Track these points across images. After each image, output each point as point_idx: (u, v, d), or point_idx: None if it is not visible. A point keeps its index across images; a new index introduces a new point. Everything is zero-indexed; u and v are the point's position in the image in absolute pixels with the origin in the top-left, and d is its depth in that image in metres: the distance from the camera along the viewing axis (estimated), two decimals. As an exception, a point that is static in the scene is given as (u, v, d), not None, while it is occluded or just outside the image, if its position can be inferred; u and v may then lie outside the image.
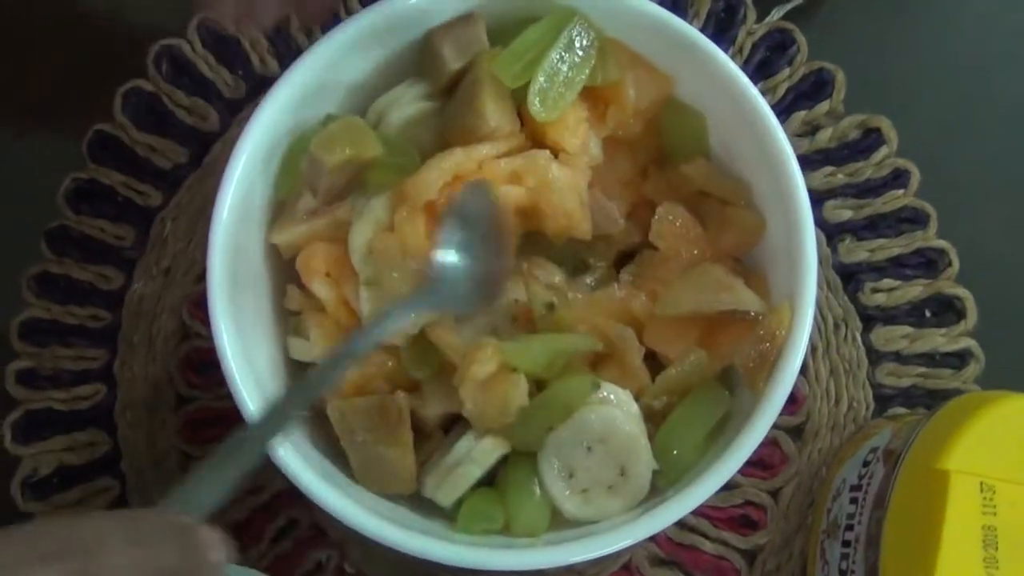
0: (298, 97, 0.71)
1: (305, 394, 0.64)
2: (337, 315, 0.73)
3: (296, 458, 0.67)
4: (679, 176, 0.75)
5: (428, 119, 0.73)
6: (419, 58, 0.74)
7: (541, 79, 0.70)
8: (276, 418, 0.61)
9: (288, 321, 0.76)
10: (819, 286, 0.86)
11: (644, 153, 0.77)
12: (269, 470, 0.82)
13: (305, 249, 0.72)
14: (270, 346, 0.74)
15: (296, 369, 0.75)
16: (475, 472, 0.70)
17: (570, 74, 0.70)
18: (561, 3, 0.72)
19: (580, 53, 0.71)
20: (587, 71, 0.71)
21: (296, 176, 0.72)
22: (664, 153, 0.77)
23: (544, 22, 0.71)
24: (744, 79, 0.71)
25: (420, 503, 0.72)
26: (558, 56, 0.70)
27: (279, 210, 0.74)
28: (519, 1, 0.73)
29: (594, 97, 0.74)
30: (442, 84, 0.73)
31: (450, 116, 0.73)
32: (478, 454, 0.69)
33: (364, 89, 0.75)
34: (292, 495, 0.82)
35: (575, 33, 0.71)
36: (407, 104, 0.73)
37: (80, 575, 0.47)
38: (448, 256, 0.68)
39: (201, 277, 0.86)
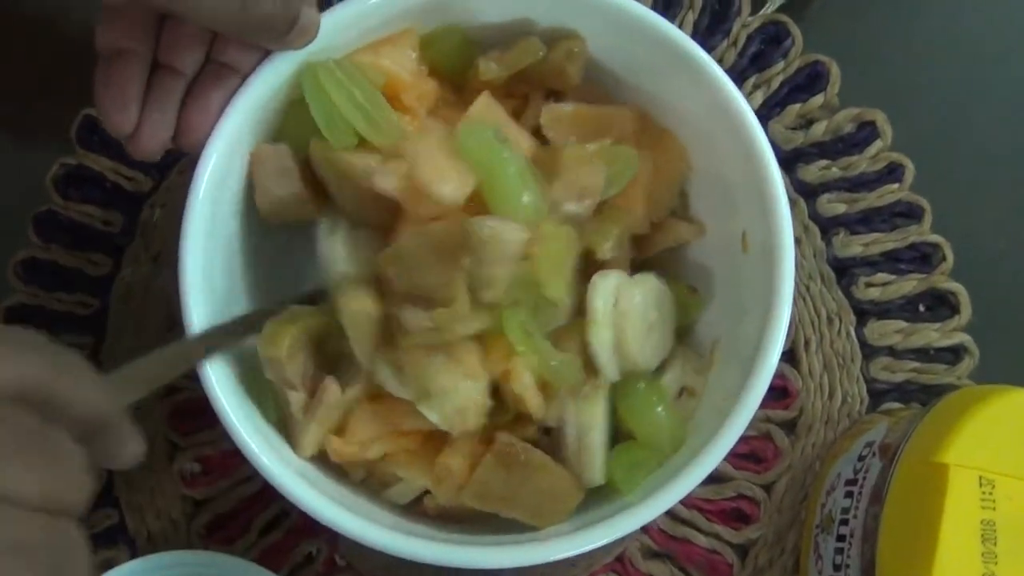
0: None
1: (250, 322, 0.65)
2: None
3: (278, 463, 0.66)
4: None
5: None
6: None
7: None
8: (216, 336, 0.63)
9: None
10: (813, 280, 0.86)
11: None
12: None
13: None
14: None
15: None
16: (600, 436, 0.69)
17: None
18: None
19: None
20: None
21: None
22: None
23: None
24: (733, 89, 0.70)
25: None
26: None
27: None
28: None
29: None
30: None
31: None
32: (586, 419, 0.68)
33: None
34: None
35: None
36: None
37: (57, 377, 0.49)
38: None
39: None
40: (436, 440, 0.68)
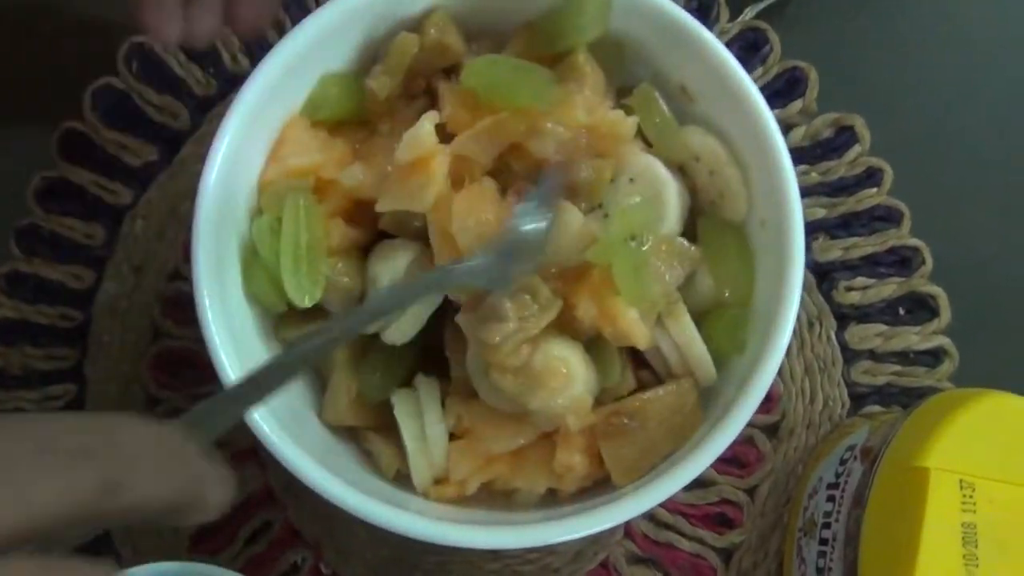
0: (270, 90, 0.70)
1: (292, 362, 0.60)
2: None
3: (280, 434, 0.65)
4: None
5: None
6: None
7: None
8: (255, 387, 0.58)
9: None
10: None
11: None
12: (243, 472, 0.82)
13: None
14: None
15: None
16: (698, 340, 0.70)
17: None
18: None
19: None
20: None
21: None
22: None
23: None
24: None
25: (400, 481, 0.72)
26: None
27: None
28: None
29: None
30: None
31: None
32: (683, 331, 0.69)
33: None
34: (266, 496, 0.82)
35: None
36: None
37: (105, 487, 0.40)
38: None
39: (173, 276, 0.85)
40: (532, 444, 0.69)
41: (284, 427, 0.64)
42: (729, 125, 0.71)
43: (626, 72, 0.74)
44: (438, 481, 0.70)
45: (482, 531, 0.64)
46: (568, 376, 0.66)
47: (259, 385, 0.56)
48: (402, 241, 0.70)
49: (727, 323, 0.70)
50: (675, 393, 0.68)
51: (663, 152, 0.71)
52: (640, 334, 0.66)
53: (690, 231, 0.72)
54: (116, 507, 0.40)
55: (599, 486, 0.70)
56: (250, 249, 0.70)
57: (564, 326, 0.67)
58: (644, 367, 0.71)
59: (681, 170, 0.72)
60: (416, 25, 0.71)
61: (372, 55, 0.73)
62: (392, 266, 0.69)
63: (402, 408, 0.69)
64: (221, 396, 0.55)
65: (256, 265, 0.69)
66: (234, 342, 0.65)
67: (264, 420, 0.63)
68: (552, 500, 0.71)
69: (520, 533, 0.64)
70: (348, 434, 0.73)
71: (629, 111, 0.71)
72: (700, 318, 0.70)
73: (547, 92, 0.67)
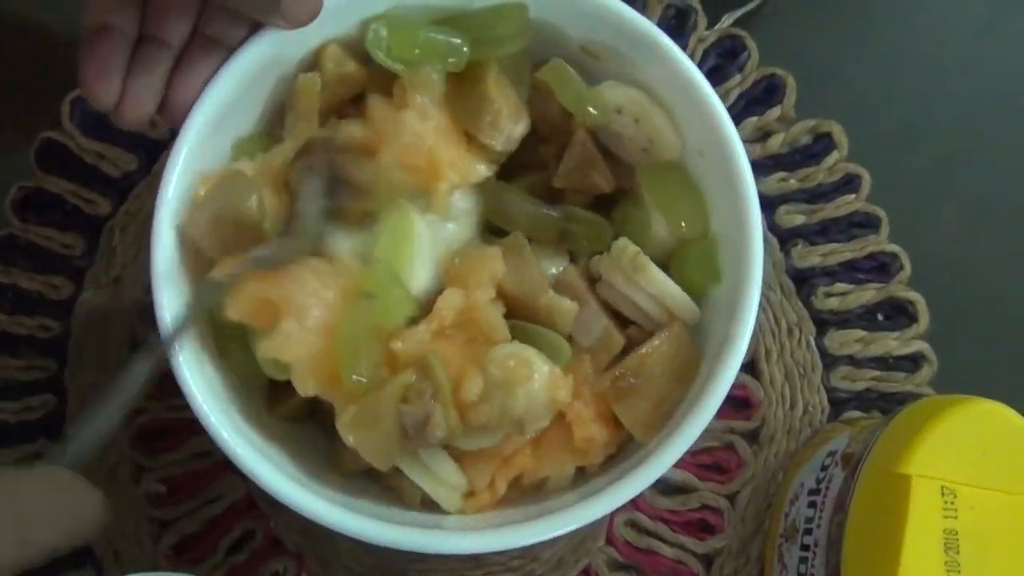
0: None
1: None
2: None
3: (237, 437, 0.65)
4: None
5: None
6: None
7: None
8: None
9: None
10: (773, 291, 0.86)
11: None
12: (224, 481, 0.82)
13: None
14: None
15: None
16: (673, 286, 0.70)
17: None
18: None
19: None
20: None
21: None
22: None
23: None
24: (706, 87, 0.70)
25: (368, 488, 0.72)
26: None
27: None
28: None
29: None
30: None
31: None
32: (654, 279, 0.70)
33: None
34: (248, 505, 0.82)
35: None
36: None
37: (19, 545, 0.48)
38: None
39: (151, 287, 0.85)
40: (548, 430, 0.70)
41: (304, 486, 0.65)
42: (642, 73, 0.72)
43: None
44: (468, 495, 0.70)
45: (524, 528, 0.64)
46: (525, 362, 0.66)
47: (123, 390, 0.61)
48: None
49: (695, 258, 0.71)
50: (669, 340, 0.69)
51: (585, 118, 0.71)
52: (562, 310, 0.69)
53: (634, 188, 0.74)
54: (26, 559, 0.47)
55: (625, 451, 0.70)
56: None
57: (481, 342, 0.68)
58: (629, 324, 0.71)
59: (605, 130, 0.73)
60: (311, 65, 0.71)
61: (277, 111, 0.73)
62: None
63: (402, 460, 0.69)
64: (89, 414, 0.59)
65: None
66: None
67: (282, 484, 0.64)
68: (583, 479, 0.71)
69: (560, 519, 0.64)
70: (368, 476, 0.73)
71: (544, 85, 0.72)
72: (668, 261, 0.71)
73: None
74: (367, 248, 0.68)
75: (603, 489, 0.64)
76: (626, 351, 0.70)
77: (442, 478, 0.68)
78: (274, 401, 0.73)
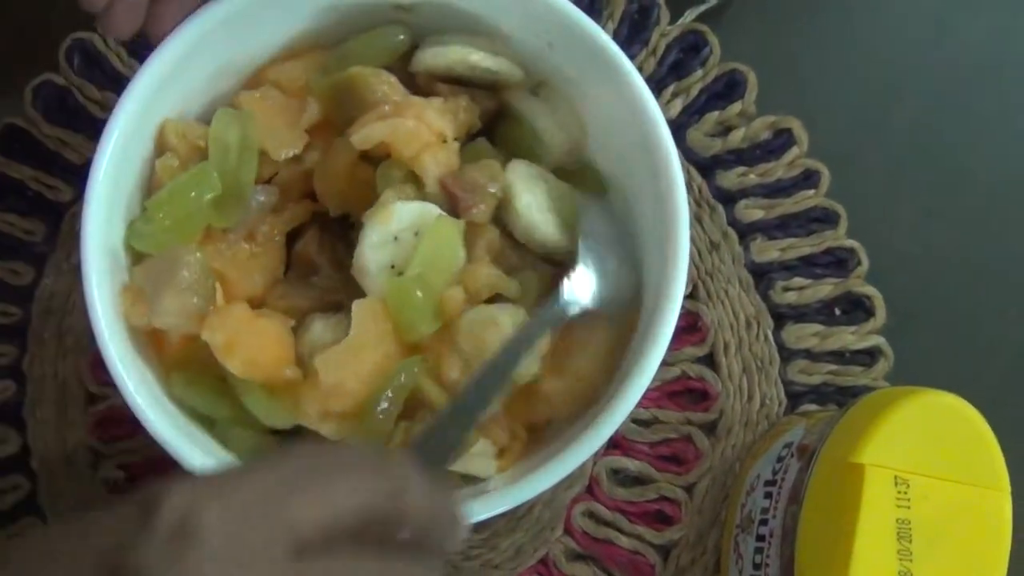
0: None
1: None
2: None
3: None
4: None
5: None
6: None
7: None
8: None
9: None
10: (731, 284, 0.87)
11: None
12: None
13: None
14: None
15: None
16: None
17: None
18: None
19: None
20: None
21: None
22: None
23: None
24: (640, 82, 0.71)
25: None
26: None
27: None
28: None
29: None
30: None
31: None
32: None
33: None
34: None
35: None
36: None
37: (390, 493, 0.47)
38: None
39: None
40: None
41: None
42: None
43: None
44: (498, 456, 0.71)
45: (558, 461, 0.65)
46: (489, 321, 0.67)
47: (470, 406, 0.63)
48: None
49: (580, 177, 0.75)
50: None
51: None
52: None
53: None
54: (396, 510, 0.47)
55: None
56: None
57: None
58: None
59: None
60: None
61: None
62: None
63: None
64: (439, 422, 0.61)
65: None
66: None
67: None
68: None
69: (582, 444, 0.65)
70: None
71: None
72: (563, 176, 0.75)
73: None
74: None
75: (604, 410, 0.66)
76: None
77: (471, 452, 0.69)
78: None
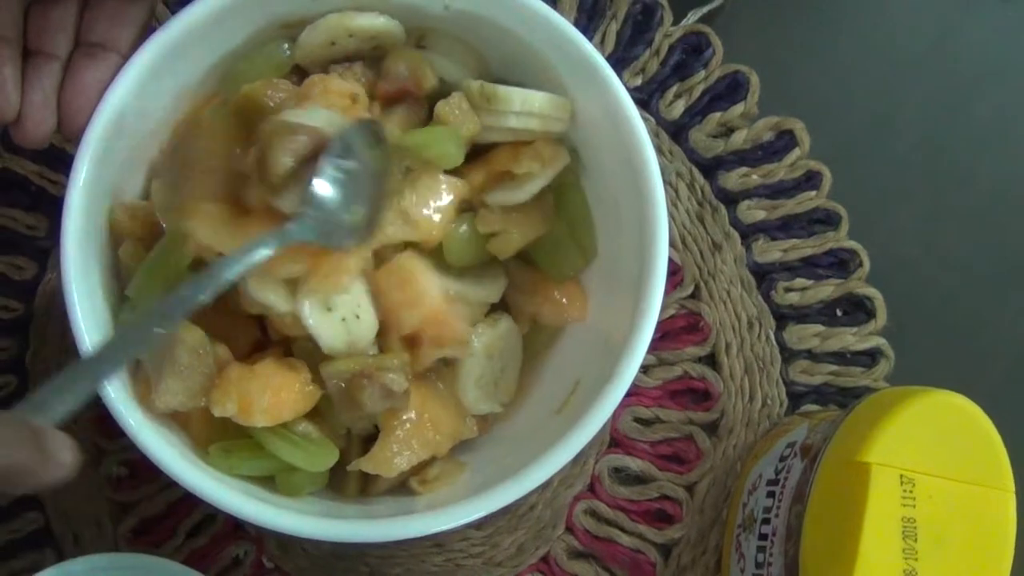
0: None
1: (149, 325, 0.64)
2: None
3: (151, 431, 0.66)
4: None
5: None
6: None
7: None
8: (116, 350, 0.63)
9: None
10: (733, 285, 0.87)
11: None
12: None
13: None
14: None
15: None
16: None
17: None
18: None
19: None
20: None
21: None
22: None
23: None
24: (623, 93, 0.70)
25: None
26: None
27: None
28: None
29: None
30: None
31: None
32: None
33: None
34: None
35: None
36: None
37: None
38: (325, 187, 0.66)
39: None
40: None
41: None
42: None
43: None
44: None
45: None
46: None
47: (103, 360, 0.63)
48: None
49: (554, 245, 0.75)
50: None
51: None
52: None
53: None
54: None
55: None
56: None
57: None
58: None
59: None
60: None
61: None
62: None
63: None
64: (63, 376, 0.60)
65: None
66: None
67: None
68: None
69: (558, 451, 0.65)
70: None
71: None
72: None
73: None
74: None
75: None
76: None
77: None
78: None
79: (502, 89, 0.70)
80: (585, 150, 0.74)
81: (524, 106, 0.70)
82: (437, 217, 0.70)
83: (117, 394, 0.64)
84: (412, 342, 0.69)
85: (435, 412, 0.70)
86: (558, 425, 0.68)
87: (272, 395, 0.65)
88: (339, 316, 0.66)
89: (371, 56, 0.74)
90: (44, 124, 0.66)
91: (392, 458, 0.67)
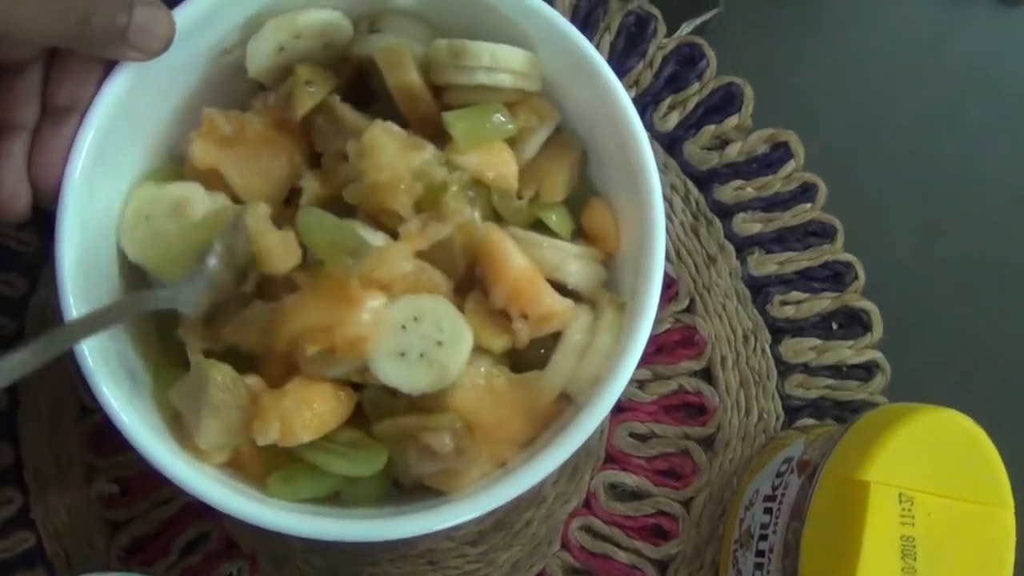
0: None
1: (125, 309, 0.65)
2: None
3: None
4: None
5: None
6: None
7: None
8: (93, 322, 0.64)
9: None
10: (729, 298, 0.87)
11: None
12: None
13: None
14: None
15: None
16: None
17: None
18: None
19: None
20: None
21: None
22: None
23: None
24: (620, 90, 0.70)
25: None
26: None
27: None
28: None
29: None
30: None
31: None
32: None
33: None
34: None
35: None
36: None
37: None
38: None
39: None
40: None
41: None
42: None
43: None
44: None
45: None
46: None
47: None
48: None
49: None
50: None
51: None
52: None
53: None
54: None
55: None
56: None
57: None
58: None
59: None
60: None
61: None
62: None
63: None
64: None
65: None
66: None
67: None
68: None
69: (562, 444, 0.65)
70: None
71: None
72: None
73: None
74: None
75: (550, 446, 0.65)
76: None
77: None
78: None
79: (471, 44, 0.69)
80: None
81: (494, 61, 0.69)
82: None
83: (166, 456, 0.64)
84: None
85: (503, 417, 0.69)
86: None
87: (308, 407, 0.65)
88: (415, 354, 0.66)
89: (324, 56, 0.73)
90: (20, 198, 0.65)
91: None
